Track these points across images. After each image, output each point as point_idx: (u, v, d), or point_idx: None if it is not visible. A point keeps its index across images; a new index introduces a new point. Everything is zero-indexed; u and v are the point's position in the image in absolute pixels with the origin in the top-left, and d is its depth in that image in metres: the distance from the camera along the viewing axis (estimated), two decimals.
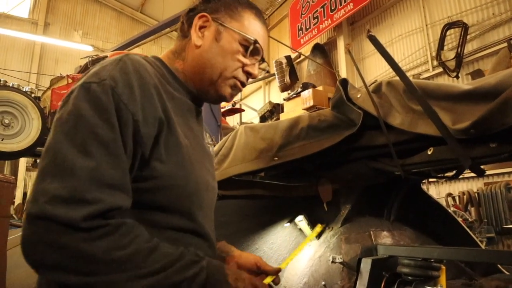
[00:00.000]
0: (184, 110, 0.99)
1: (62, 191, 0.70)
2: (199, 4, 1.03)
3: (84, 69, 6.87)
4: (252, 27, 1.01)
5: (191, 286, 0.79)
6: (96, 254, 0.70)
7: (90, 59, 6.71)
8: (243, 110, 10.16)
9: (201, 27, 1.00)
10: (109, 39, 15.60)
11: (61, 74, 6.81)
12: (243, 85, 1.04)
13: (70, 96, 0.81)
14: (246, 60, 1.01)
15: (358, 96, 1.63)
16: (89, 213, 0.71)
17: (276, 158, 1.69)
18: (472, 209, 6.31)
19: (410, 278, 1.73)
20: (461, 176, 6.91)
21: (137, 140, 0.82)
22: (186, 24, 1.03)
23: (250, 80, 1.08)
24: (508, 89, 1.09)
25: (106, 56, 6.52)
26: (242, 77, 1.02)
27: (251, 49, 1.00)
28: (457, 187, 7.07)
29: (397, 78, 1.42)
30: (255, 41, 1.00)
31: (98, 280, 0.71)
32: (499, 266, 2.20)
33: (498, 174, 6.45)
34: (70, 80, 5.82)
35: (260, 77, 13.18)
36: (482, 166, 1.37)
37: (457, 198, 6.72)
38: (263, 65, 1.09)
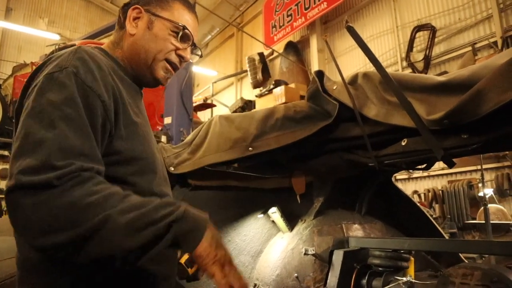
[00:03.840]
0: (132, 92, 1.10)
1: (34, 162, 0.75)
2: None
3: None
4: (181, 15, 1.13)
5: (170, 219, 0.81)
6: (72, 203, 0.74)
7: (57, 47, 6.42)
8: (215, 106, 10.05)
9: (135, 18, 1.10)
10: (77, 28, 15.00)
11: (24, 62, 6.48)
12: (176, 68, 1.14)
13: (33, 88, 0.87)
14: (178, 44, 1.12)
15: (334, 88, 1.63)
16: (62, 173, 0.75)
17: (251, 149, 1.66)
18: (436, 206, 6.55)
19: (380, 269, 1.76)
20: (426, 174, 7.17)
21: (108, 117, 0.90)
22: (122, 16, 1.12)
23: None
24: (480, 81, 1.11)
25: (74, 45, 6.25)
26: (175, 59, 1.13)
27: (181, 34, 1.11)
28: (423, 185, 7.31)
29: (373, 70, 1.43)
30: (184, 27, 1.11)
31: (85, 229, 0.73)
32: (461, 257, 2.28)
33: (461, 172, 6.72)
34: (34, 68, 5.53)
35: (232, 73, 13.13)
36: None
37: (422, 195, 6.96)
38: (197, 51, 1.21)
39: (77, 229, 0.73)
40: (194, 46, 1.17)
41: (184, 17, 1.13)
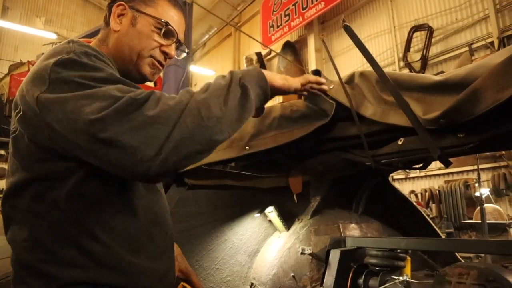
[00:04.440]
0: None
1: (101, 104, 0.78)
2: None
3: None
4: (165, 12, 1.12)
5: (232, 81, 0.93)
6: (165, 106, 0.81)
7: (54, 46, 6.39)
8: None
9: (119, 15, 1.10)
10: (74, 28, 14.93)
11: (21, 61, 6.45)
12: (161, 64, 1.14)
13: (43, 83, 0.85)
14: (162, 41, 1.11)
15: (331, 87, 1.63)
16: (136, 93, 0.81)
17: (248, 148, 1.66)
18: (433, 206, 6.57)
19: (377, 268, 1.76)
20: (423, 174, 7.19)
21: None
22: (107, 13, 1.12)
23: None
24: (476, 80, 1.11)
25: None
26: (159, 56, 1.12)
27: (164, 30, 1.10)
28: (420, 185, 7.33)
29: (370, 69, 1.43)
30: (167, 23, 1.10)
31: (177, 129, 0.79)
32: (458, 256, 2.29)
33: (457, 172, 6.74)
34: (31, 67, 5.51)
35: None
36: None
37: (419, 195, 6.97)
38: (183, 48, 1.21)
39: (173, 128, 0.79)
40: (179, 43, 1.16)
41: (169, 14, 1.12)
